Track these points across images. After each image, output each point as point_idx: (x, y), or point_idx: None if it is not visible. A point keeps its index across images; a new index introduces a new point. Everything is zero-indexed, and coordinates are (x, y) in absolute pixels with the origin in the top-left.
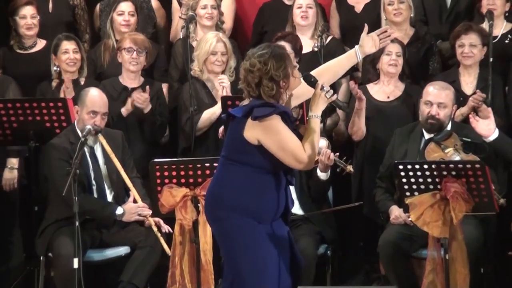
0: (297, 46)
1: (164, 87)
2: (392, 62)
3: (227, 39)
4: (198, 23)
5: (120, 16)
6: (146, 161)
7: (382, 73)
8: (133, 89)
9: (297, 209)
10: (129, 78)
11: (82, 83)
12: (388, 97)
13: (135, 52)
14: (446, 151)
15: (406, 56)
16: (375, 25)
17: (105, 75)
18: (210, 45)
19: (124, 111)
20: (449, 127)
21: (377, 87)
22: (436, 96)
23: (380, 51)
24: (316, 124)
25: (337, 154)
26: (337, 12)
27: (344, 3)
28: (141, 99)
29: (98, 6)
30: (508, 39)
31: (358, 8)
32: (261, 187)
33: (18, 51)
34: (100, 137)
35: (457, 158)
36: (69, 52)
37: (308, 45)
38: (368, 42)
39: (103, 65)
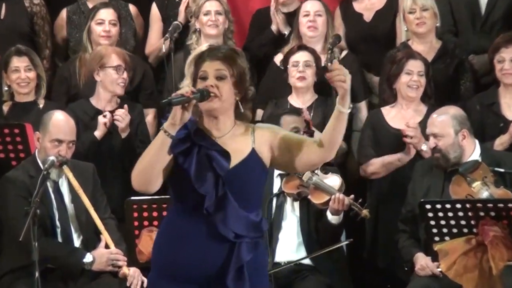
0: (319, 62)
1: (151, 113)
2: (412, 83)
3: None
4: (201, 32)
5: (99, 26)
6: (123, 200)
7: (400, 95)
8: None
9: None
10: (105, 100)
11: (41, 106)
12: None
13: (125, 72)
14: (473, 185)
15: (430, 75)
16: (388, 37)
17: (80, 96)
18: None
19: (98, 134)
20: (476, 156)
21: (394, 112)
22: (430, 126)
23: (399, 69)
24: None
25: (352, 196)
26: (343, 21)
27: (350, 10)
28: (122, 116)
29: (64, 13)
30: None
31: (368, 16)
32: None
33: None
34: (66, 170)
35: (486, 193)
36: (20, 71)
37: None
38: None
39: (78, 84)
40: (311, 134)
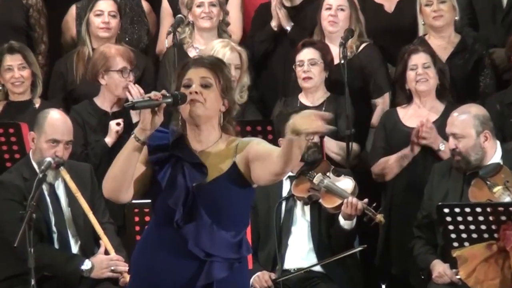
0: (327, 56)
1: None
2: (420, 77)
3: (242, 48)
4: (194, 25)
5: (98, 17)
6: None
7: (413, 93)
8: (114, 114)
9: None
10: (111, 101)
11: (37, 105)
12: None
13: (130, 73)
14: (494, 190)
15: (437, 66)
16: (411, 29)
17: (77, 93)
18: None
19: (109, 141)
20: (498, 159)
21: (410, 111)
22: (449, 125)
23: (404, 67)
24: None
25: (366, 200)
26: (362, 12)
27: (370, 1)
28: (139, 91)
29: (73, 9)
30: None
31: (389, 7)
32: None
33: None
34: (63, 172)
35: (507, 199)
36: (13, 69)
37: (338, 57)
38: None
39: (75, 80)
40: (322, 136)
